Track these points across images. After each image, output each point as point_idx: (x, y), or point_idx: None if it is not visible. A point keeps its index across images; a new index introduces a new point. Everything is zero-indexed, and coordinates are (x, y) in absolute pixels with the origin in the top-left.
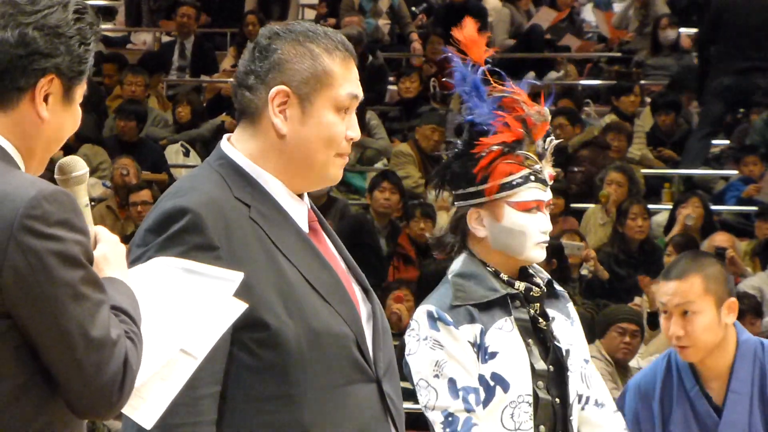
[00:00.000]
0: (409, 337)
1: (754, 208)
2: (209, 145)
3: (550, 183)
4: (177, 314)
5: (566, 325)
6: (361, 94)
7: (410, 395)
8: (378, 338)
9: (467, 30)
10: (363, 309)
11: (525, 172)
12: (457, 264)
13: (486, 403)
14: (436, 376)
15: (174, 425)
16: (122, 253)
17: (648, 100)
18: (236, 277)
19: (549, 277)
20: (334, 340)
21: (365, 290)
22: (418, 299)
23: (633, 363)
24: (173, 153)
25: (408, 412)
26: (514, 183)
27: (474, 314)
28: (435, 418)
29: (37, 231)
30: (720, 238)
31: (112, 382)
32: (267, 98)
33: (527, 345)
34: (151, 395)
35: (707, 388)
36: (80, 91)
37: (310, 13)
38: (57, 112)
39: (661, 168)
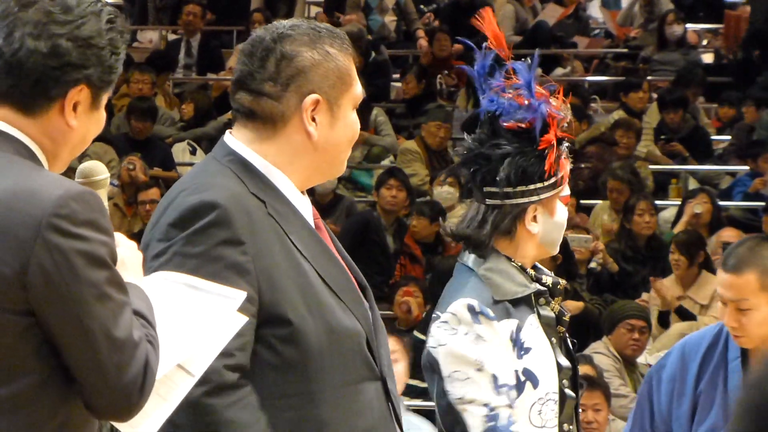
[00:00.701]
0: (439, 330)
1: (762, 203)
2: (215, 142)
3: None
4: (177, 330)
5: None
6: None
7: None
8: (378, 338)
9: (489, 23)
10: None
11: (569, 166)
12: (482, 262)
13: (515, 399)
14: (479, 369)
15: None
16: (139, 259)
17: (654, 96)
18: (239, 295)
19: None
20: (348, 338)
21: (362, 288)
22: (428, 296)
23: (641, 359)
24: (180, 151)
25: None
26: (561, 180)
27: (510, 309)
28: (476, 412)
29: (64, 230)
30: (728, 234)
31: (133, 383)
32: (296, 106)
33: (551, 342)
34: (150, 411)
35: (750, 363)
36: (106, 96)
37: (317, 10)
38: (84, 119)
39: (668, 164)
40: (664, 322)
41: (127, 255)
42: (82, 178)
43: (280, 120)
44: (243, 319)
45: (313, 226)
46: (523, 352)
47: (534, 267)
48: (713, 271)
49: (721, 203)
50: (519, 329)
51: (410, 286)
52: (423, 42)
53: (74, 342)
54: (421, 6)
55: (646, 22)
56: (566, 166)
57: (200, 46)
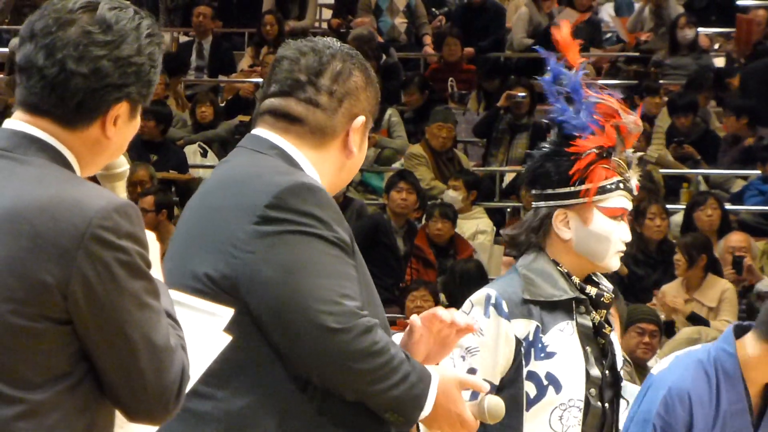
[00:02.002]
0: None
1: None
2: (227, 145)
3: (636, 194)
4: None
5: (614, 336)
6: None
7: None
8: None
9: (563, 32)
10: None
11: (617, 178)
12: (528, 258)
13: (536, 401)
14: (462, 357)
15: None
16: (157, 249)
17: (665, 99)
18: (226, 313)
19: (612, 286)
20: (386, 330)
21: None
22: (438, 299)
23: (651, 362)
24: (191, 153)
25: None
26: (608, 188)
27: (533, 311)
28: None
29: (107, 241)
30: (735, 239)
31: (170, 388)
32: (345, 123)
33: (585, 351)
34: (134, 428)
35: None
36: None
37: (328, 13)
38: (122, 130)
39: (679, 168)
40: (668, 331)
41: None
42: (104, 170)
43: (330, 133)
44: (227, 338)
45: None
46: (543, 355)
47: (590, 275)
48: (720, 274)
49: (732, 207)
50: (539, 330)
51: (420, 291)
52: (429, 49)
53: (115, 350)
54: (433, 9)
55: (656, 26)
56: (605, 175)
57: (212, 48)
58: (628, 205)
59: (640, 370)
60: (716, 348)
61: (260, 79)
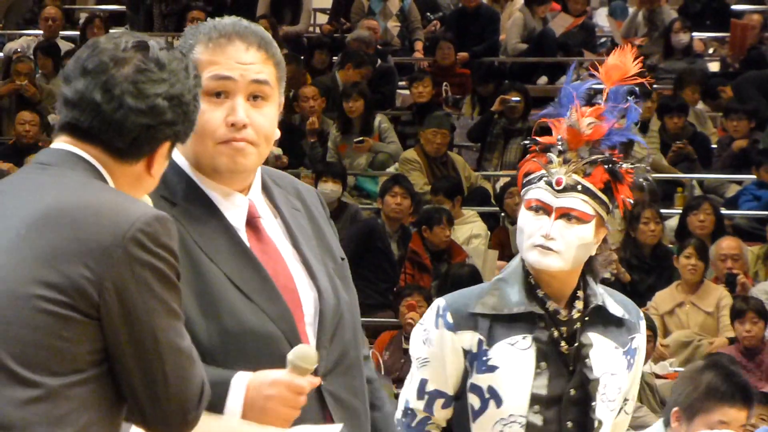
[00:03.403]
0: (420, 320)
1: (766, 212)
2: None
3: (558, 188)
4: None
5: (612, 354)
6: (237, 75)
7: None
8: (324, 335)
9: (616, 57)
10: (309, 300)
11: (540, 173)
12: (509, 267)
13: (479, 413)
14: (417, 367)
15: None
16: None
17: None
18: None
19: (601, 303)
20: (255, 339)
21: (317, 287)
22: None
23: (645, 368)
24: None
25: None
26: (531, 181)
27: (480, 323)
28: (401, 399)
29: (146, 246)
30: (727, 244)
31: (191, 397)
32: None
33: (537, 367)
34: None
35: None
36: None
37: (322, 18)
38: (161, 165)
39: (673, 173)
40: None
41: None
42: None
43: None
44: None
45: (243, 226)
46: (485, 369)
47: (580, 287)
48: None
49: (727, 212)
50: (482, 344)
51: (414, 297)
52: (418, 54)
53: (142, 351)
54: (428, 14)
55: (650, 31)
56: (530, 168)
57: None
58: (551, 200)
59: None
60: None
61: None
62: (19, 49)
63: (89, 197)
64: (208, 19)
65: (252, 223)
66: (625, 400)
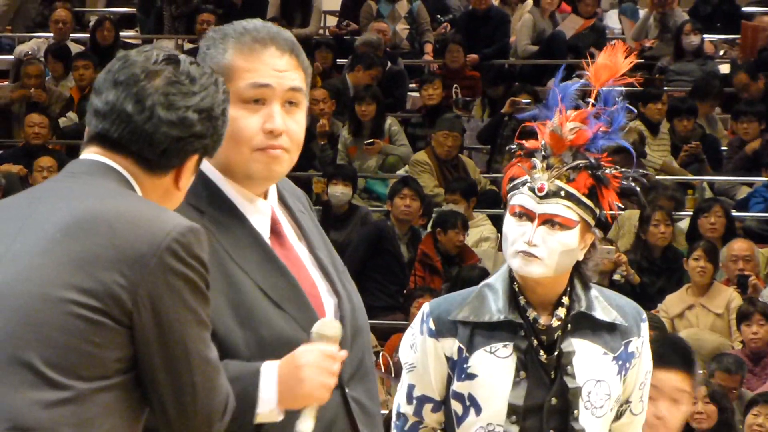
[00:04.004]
0: (410, 325)
1: None
2: None
3: (540, 194)
4: None
5: (600, 360)
6: (275, 83)
7: None
8: (345, 342)
9: (606, 56)
10: (330, 307)
11: (524, 178)
12: (497, 272)
13: (462, 420)
14: (405, 372)
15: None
16: None
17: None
18: None
19: (583, 309)
20: (290, 348)
21: (336, 293)
22: None
23: None
24: None
25: None
26: (515, 187)
27: (460, 330)
28: (395, 403)
29: (180, 256)
30: (738, 246)
31: (217, 407)
32: None
33: (517, 376)
34: None
35: None
36: None
37: (332, 20)
38: (189, 179)
39: (684, 175)
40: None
41: None
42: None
43: None
44: None
45: (268, 233)
46: (464, 376)
47: (566, 295)
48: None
49: (738, 214)
50: (462, 351)
51: (425, 298)
52: (428, 57)
53: (172, 361)
54: (438, 16)
55: (661, 33)
56: (514, 174)
57: None
58: (534, 206)
59: None
60: None
61: None
62: (29, 52)
63: (124, 205)
64: (234, 22)
65: (274, 229)
66: (627, 402)
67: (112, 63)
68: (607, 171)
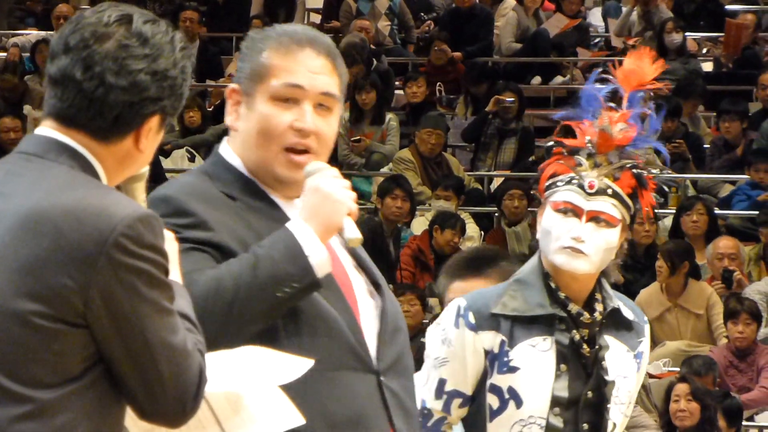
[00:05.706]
0: (437, 320)
1: (757, 212)
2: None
3: (590, 191)
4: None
5: (624, 357)
6: (307, 84)
7: None
8: (385, 334)
9: (633, 61)
10: (369, 303)
11: (569, 175)
12: (527, 265)
13: (497, 413)
14: (434, 367)
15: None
16: (176, 250)
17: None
18: (306, 364)
19: (617, 306)
20: (323, 321)
21: (376, 286)
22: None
23: None
24: (179, 158)
25: None
26: (557, 184)
27: (502, 324)
28: (418, 399)
29: (129, 250)
30: (724, 244)
31: (188, 391)
32: None
33: (558, 369)
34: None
35: None
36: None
37: (316, 17)
38: (151, 141)
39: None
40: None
41: (167, 247)
42: None
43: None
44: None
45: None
46: (506, 369)
47: (596, 292)
48: (699, 278)
49: (721, 212)
50: (504, 344)
51: (407, 295)
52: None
53: (134, 355)
54: (421, 14)
55: (643, 30)
56: (556, 171)
57: (199, 53)
58: (582, 203)
59: None
60: None
61: None
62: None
63: (71, 200)
64: (275, 25)
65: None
66: (629, 402)
67: (65, 24)
68: (647, 173)
